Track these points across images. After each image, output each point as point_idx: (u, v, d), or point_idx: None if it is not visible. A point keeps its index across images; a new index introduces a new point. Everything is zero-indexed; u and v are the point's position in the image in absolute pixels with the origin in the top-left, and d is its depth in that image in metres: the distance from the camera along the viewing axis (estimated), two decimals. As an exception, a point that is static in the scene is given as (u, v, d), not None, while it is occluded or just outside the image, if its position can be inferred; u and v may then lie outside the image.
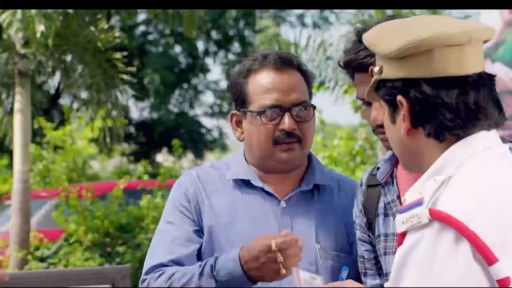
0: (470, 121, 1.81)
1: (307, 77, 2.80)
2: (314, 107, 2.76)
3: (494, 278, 1.66)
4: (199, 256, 2.74)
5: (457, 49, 1.80)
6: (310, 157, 2.84)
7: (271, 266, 2.50)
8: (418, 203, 1.74)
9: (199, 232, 2.75)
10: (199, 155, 24.46)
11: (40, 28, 10.20)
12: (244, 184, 2.79)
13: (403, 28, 1.86)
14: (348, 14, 12.67)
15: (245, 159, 2.83)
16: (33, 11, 10.14)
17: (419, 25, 1.85)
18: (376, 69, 1.89)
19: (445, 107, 1.80)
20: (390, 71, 1.85)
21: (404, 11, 11.10)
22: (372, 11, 12.00)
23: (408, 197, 1.80)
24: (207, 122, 25.65)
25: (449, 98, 1.79)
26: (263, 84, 2.73)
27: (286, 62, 2.75)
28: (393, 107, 1.87)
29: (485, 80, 1.83)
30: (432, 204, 1.73)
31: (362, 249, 2.71)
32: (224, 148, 25.52)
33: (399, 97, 1.83)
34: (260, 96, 2.72)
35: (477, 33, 1.82)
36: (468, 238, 1.67)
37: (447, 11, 11.37)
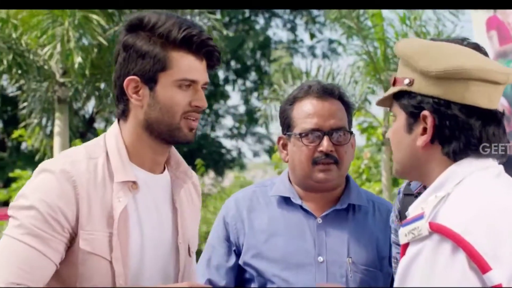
0: (489, 146, 1.82)
1: (348, 107, 2.82)
2: (351, 133, 2.77)
3: (488, 285, 1.67)
4: (240, 268, 2.81)
5: (492, 85, 1.80)
6: (348, 179, 2.86)
7: None
8: (419, 217, 1.75)
9: (234, 254, 2.83)
10: (219, 173, 24.45)
11: (78, 59, 10.28)
12: (285, 201, 2.82)
13: (446, 50, 1.84)
14: (355, 46, 12.66)
15: (289, 178, 2.86)
16: (72, 44, 10.22)
17: (463, 54, 1.84)
18: (406, 81, 1.86)
19: (471, 132, 1.80)
20: (423, 87, 1.83)
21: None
22: (376, 44, 12.01)
23: (411, 212, 1.81)
24: (227, 143, 25.75)
25: (475, 125, 1.80)
26: (306, 110, 2.76)
27: (328, 91, 2.78)
28: (414, 118, 1.85)
29: (501, 117, 1.84)
30: (432, 218, 1.73)
31: (395, 251, 2.72)
32: (242, 167, 25.49)
33: (426, 112, 1.82)
34: (302, 120, 2.75)
35: None
36: (464, 248, 1.67)
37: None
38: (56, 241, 2.12)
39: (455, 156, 1.81)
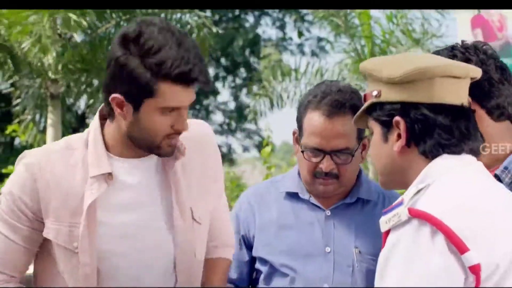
0: (462, 142, 1.84)
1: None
2: (353, 155, 2.71)
3: (466, 265, 1.70)
4: (251, 261, 2.83)
5: (455, 81, 1.84)
6: (359, 173, 2.84)
7: None
8: (399, 204, 1.78)
9: (245, 249, 2.85)
10: (210, 168, 24.39)
11: (49, 58, 10.30)
12: (294, 196, 2.83)
13: (406, 58, 1.89)
14: (343, 43, 12.68)
15: (298, 173, 2.85)
16: (48, 41, 10.22)
17: (422, 57, 1.89)
18: (374, 93, 1.89)
19: (442, 129, 1.82)
20: (390, 94, 1.86)
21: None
22: (363, 42, 12.04)
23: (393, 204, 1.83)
24: (217, 139, 25.80)
25: (445, 122, 1.82)
26: (312, 126, 2.70)
27: (339, 106, 2.69)
28: (387, 127, 1.89)
29: (471, 111, 1.87)
30: (411, 205, 1.76)
31: None
32: (232, 162, 25.50)
33: (397, 118, 1.85)
34: (307, 135, 2.70)
35: (473, 71, 1.88)
36: (442, 231, 1.70)
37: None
38: (24, 229, 2.25)
39: (432, 154, 1.84)
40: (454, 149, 1.84)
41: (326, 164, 2.69)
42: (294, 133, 2.83)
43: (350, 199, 2.79)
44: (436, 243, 1.70)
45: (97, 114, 2.32)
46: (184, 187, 2.34)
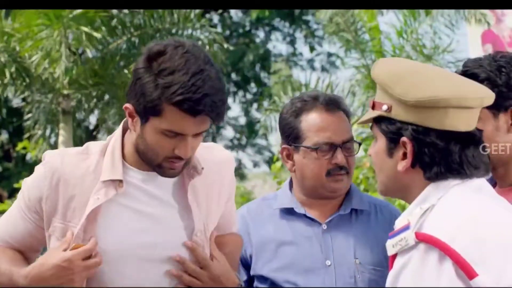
0: (469, 170, 1.82)
1: (348, 117, 2.84)
2: (360, 144, 2.80)
3: None
4: (249, 281, 2.83)
5: (469, 110, 1.81)
6: (350, 185, 2.87)
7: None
8: (406, 228, 1.77)
9: (243, 268, 2.84)
10: (220, 183, 24.34)
11: (58, 71, 10.32)
12: (289, 212, 2.84)
13: (421, 78, 1.85)
14: (353, 59, 12.68)
15: (289, 189, 2.88)
16: (57, 55, 10.25)
17: (437, 80, 1.85)
18: (384, 107, 1.87)
19: (450, 157, 1.81)
20: (401, 113, 1.84)
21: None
22: (373, 56, 12.04)
23: (398, 224, 1.82)
24: (228, 154, 25.84)
25: (454, 150, 1.81)
26: (317, 123, 2.76)
27: (334, 104, 2.79)
28: (394, 143, 1.86)
29: (480, 137, 1.86)
30: (418, 228, 1.75)
31: None
32: (242, 177, 25.47)
33: (405, 139, 1.83)
34: (314, 133, 2.75)
35: (487, 99, 1.85)
36: (450, 256, 1.69)
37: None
38: (28, 220, 2.34)
39: (438, 179, 1.82)
40: (460, 176, 1.82)
41: (340, 158, 2.73)
42: (283, 150, 2.84)
43: (343, 211, 2.82)
44: (444, 268, 1.69)
45: (122, 123, 2.36)
46: (202, 205, 2.37)
